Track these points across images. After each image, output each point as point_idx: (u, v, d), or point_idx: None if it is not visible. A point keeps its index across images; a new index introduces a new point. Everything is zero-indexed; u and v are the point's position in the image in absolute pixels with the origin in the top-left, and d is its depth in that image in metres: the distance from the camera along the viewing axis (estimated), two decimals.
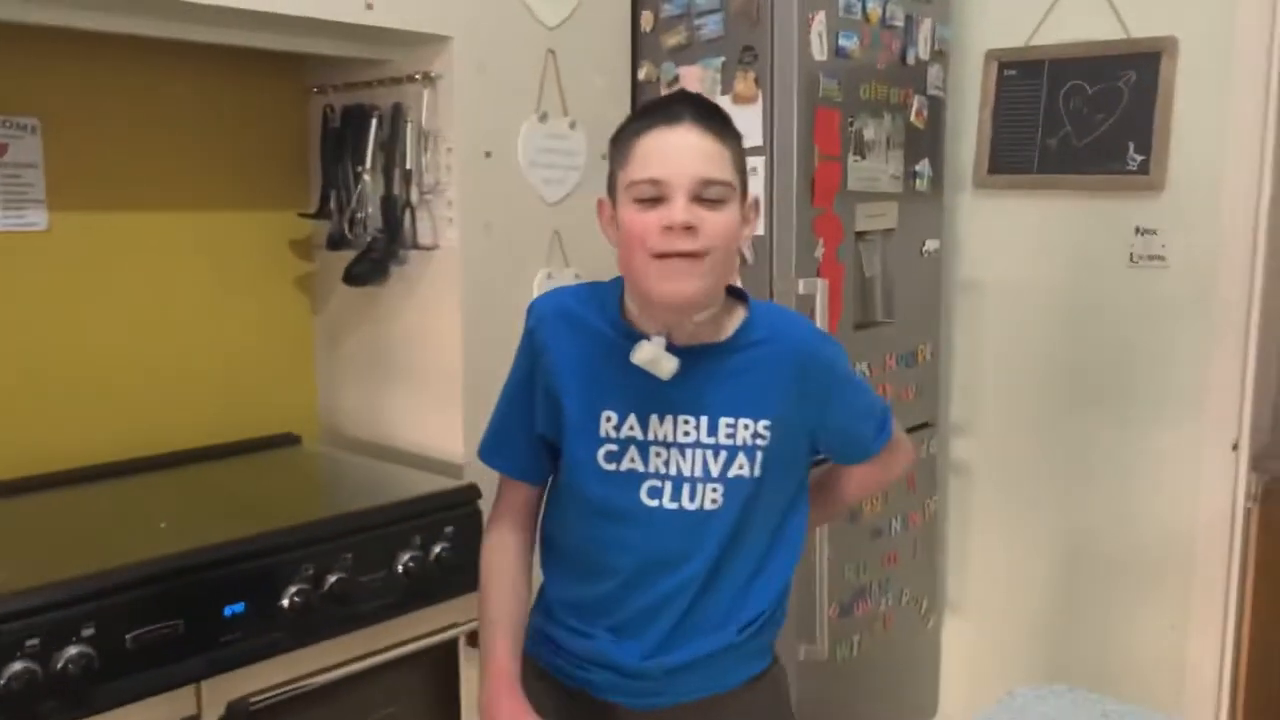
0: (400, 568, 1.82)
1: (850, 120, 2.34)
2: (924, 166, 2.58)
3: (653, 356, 1.26)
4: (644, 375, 1.28)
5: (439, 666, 1.90)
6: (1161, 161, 2.42)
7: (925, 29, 2.53)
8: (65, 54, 1.97)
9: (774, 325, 1.36)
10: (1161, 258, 2.44)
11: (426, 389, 2.17)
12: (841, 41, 2.29)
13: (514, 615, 1.39)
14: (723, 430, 1.30)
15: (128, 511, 1.89)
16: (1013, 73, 2.61)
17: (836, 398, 1.38)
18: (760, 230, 2.24)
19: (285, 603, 1.66)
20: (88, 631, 1.45)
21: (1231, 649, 2.46)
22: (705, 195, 1.21)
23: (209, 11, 1.74)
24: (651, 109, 1.29)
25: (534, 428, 1.38)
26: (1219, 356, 2.39)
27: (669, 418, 1.30)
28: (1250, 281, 2.35)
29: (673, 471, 1.31)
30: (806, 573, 2.28)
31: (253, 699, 1.62)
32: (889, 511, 2.57)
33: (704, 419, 1.30)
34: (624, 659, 1.35)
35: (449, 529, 1.89)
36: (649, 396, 1.30)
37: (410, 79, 2.08)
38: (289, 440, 2.33)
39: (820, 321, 2.20)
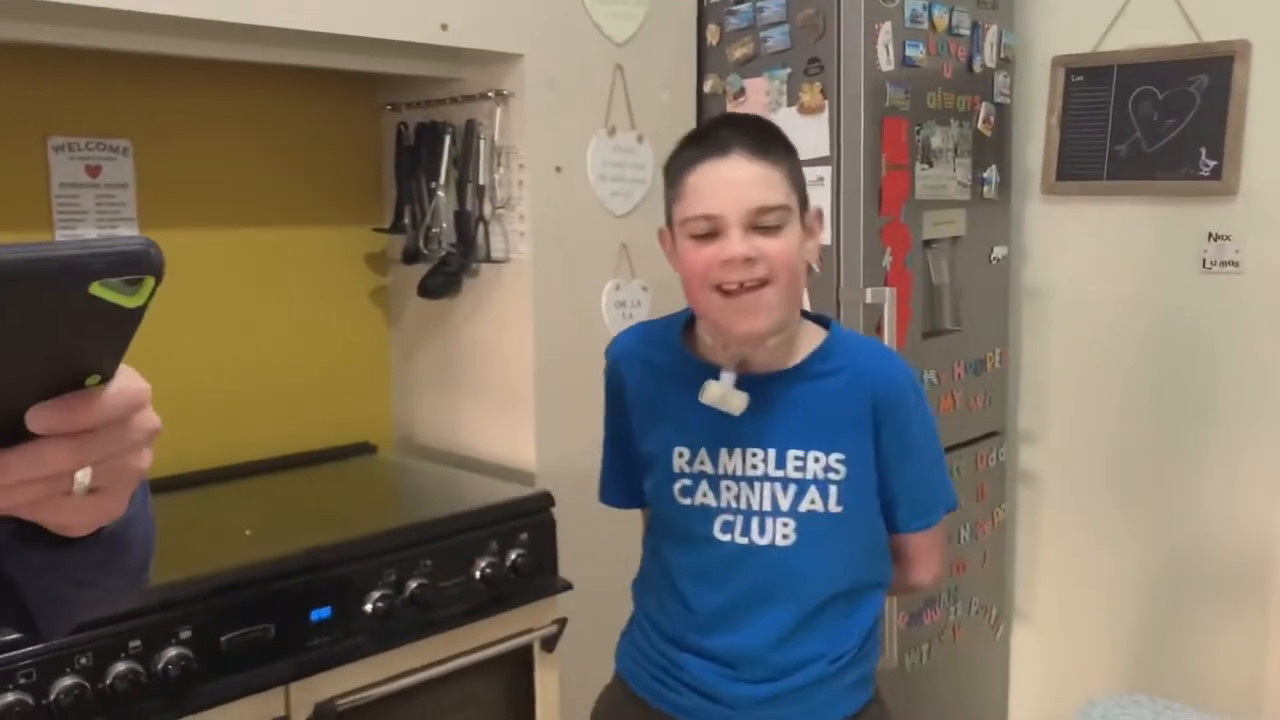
0: (478, 574, 1.86)
1: (917, 128, 2.34)
2: (991, 173, 2.57)
3: (721, 395, 1.27)
4: (712, 409, 1.28)
5: (515, 671, 1.94)
6: (1234, 166, 2.38)
7: (991, 36, 2.52)
8: (155, 78, 2.05)
9: (852, 353, 1.33)
10: (1235, 264, 2.41)
11: (498, 398, 2.22)
12: (908, 51, 2.29)
13: None
14: (791, 463, 1.29)
15: (215, 519, 1.95)
16: (1080, 79, 2.60)
17: (905, 439, 1.32)
18: (827, 240, 2.26)
19: (368, 608, 1.71)
20: (185, 634, 1.51)
21: None
22: (761, 223, 1.21)
23: (291, 35, 1.81)
24: (699, 138, 1.28)
25: (636, 460, 1.40)
26: None
27: (737, 451, 1.30)
28: None
29: (743, 505, 1.30)
30: None
31: (339, 701, 1.67)
32: (958, 520, 2.56)
33: (772, 451, 1.29)
34: (718, 687, 1.34)
35: (524, 536, 1.93)
36: (718, 430, 1.30)
37: (483, 96, 2.13)
38: (365, 449, 2.39)
39: (888, 330, 2.21)
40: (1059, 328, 2.71)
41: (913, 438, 1.34)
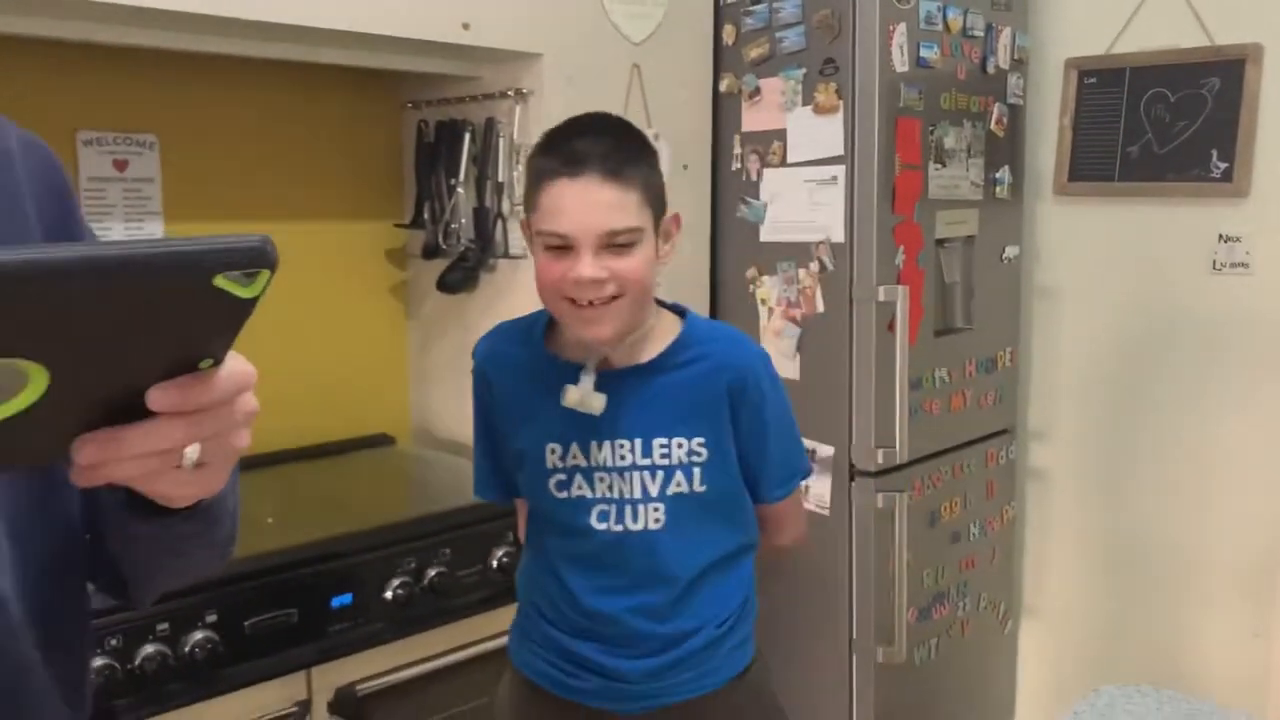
0: (495, 563, 1.90)
1: (931, 129, 2.37)
2: (1004, 174, 2.60)
3: (579, 399, 1.33)
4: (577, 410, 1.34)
5: None
6: (1246, 168, 2.40)
7: (1005, 38, 2.54)
8: (181, 74, 2.08)
9: (707, 342, 1.40)
10: (1245, 265, 2.43)
11: None
12: (922, 52, 2.32)
13: None
14: (657, 451, 1.36)
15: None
16: (1093, 80, 2.62)
17: (761, 421, 1.40)
18: (840, 237, 2.29)
19: (388, 595, 1.75)
20: (211, 618, 1.55)
21: None
22: (613, 244, 1.26)
23: (314, 33, 1.84)
24: (556, 147, 1.30)
25: (506, 453, 1.46)
26: None
27: (606, 443, 1.36)
28: None
29: (616, 494, 1.37)
30: (885, 577, 2.32)
31: (359, 685, 1.71)
32: (968, 517, 2.58)
33: (638, 441, 1.36)
34: (613, 665, 1.40)
35: None
36: (586, 425, 1.36)
37: (502, 94, 2.17)
38: (384, 441, 2.43)
39: (900, 328, 2.24)
40: (1069, 327, 2.73)
41: (768, 418, 1.42)
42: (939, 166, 2.40)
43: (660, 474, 1.36)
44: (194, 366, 0.56)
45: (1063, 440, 2.77)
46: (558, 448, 1.38)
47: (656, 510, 1.36)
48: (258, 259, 0.52)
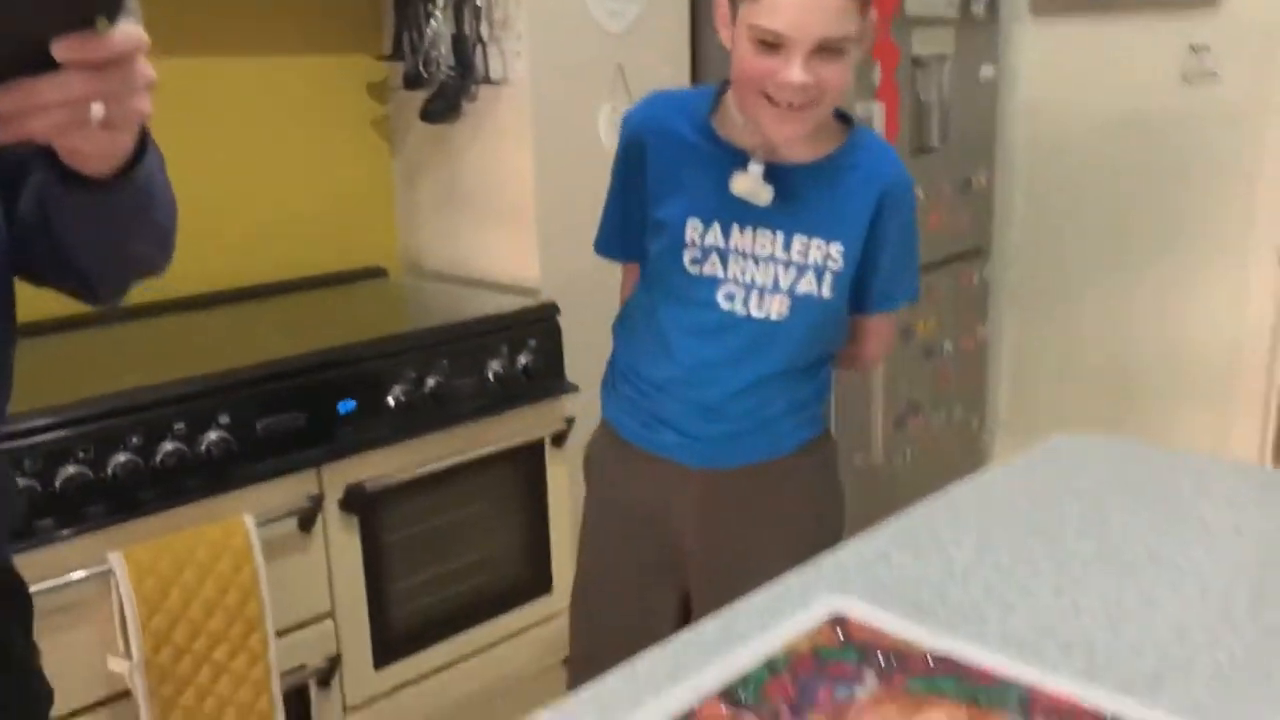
0: (490, 375, 1.99)
1: None
2: None
3: (750, 187, 1.34)
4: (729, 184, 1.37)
5: (528, 464, 2.09)
6: None
7: None
8: None
9: (868, 153, 1.41)
10: (1215, 74, 2.47)
11: (501, 219, 2.31)
12: None
13: None
14: (796, 247, 1.39)
15: (242, 329, 2.07)
16: None
17: (894, 237, 1.42)
18: None
19: (391, 401, 1.84)
20: (224, 419, 1.64)
21: (1271, 457, 2.57)
22: (825, 48, 1.23)
23: None
24: None
25: (636, 221, 1.49)
26: (1270, 166, 2.43)
27: (749, 229, 1.39)
28: None
29: (748, 280, 1.40)
30: (863, 387, 2.43)
31: (367, 483, 1.82)
32: (941, 334, 2.68)
33: (780, 234, 1.38)
34: (693, 427, 1.49)
35: (532, 341, 2.05)
36: (734, 209, 1.38)
37: None
38: (376, 273, 2.49)
39: None
40: (1045, 146, 2.78)
41: (900, 236, 1.45)
42: None
43: (794, 270, 1.39)
44: (92, 27, 0.65)
45: (1037, 258, 2.85)
46: (700, 225, 1.40)
47: (782, 304, 1.41)
48: None
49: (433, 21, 2.27)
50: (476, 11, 2.22)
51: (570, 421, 2.11)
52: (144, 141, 0.80)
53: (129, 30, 0.68)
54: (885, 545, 1.13)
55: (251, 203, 2.30)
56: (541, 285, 2.23)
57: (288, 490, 1.73)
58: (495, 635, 2.09)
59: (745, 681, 0.86)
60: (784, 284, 1.40)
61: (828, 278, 1.39)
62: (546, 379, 2.08)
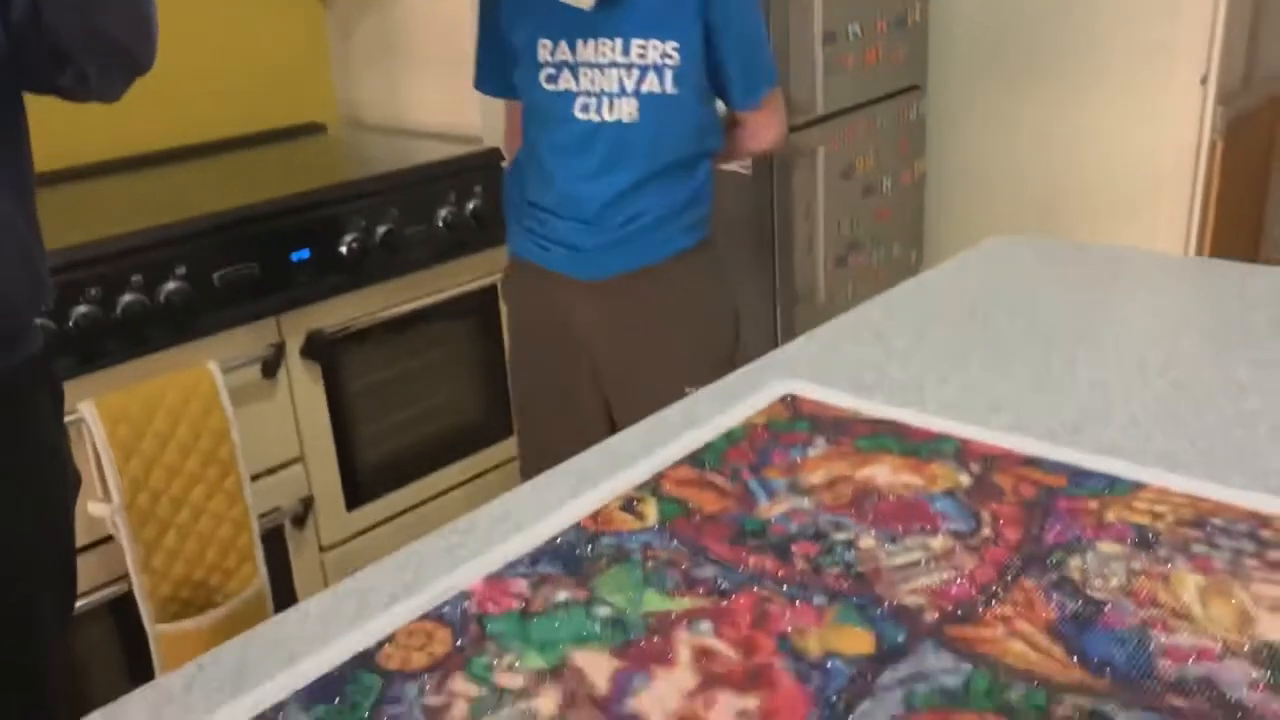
0: (440, 222, 2.01)
1: None
2: None
3: None
4: (569, 5, 1.49)
5: (481, 311, 2.13)
6: None
7: None
8: None
9: None
10: None
11: (439, 68, 2.29)
12: None
13: None
14: (634, 50, 1.52)
15: (187, 186, 2.06)
16: None
17: (732, 25, 1.55)
18: None
19: (343, 249, 1.87)
20: (181, 270, 1.66)
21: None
22: None
23: None
24: None
25: (505, 51, 1.62)
26: None
27: (591, 41, 1.53)
28: None
29: (596, 88, 1.54)
30: (807, 227, 2.49)
31: (327, 330, 1.85)
32: (879, 170, 2.74)
33: (619, 40, 1.52)
34: (577, 239, 1.63)
35: (478, 188, 2.07)
36: (576, 24, 1.52)
37: None
38: (315, 129, 2.47)
39: None
40: None
41: (734, 22, 1.57)
42: None
43: (636, 71, 1.53)
44: None
45: (970, 91, 2.90)
46: (548, 43, 1.54)
47: (630, 105, 1.54)
48: None
49: None
50: None
51: None
52: None
53: None
54: (830, 337, 1.21)
55: (184, 63, 2.25)
56: (483, 133, 2.24)
57: (249, 338, 1.77)
58: (461, 476, 2.17)
59: (707, 449, 0.94)
60: (629, 86, 1.53)
61: (668, 74, 1.53)
62: (495, 225, 2.10)
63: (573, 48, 1.54)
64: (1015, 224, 2.91)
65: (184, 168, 2.17)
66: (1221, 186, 2.63)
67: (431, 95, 2.34)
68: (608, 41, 1.52)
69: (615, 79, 1.53)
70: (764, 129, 1.71)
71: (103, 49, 0.99)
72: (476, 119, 2.24)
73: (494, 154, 2.13)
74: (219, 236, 1.72)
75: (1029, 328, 1.18)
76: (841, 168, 2.60)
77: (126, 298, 1.60)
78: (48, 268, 1.08)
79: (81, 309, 1.56)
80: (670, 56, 1.52)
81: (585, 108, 1.56)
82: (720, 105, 1.69)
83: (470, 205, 2.06)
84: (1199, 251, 2.67)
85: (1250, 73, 2.81)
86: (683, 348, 1.68)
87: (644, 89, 1.53)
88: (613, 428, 1.76)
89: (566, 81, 1.55)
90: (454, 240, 2.04)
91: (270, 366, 1.79)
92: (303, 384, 1.86)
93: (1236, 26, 2.60)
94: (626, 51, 1.52)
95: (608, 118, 1.55)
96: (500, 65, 1.66)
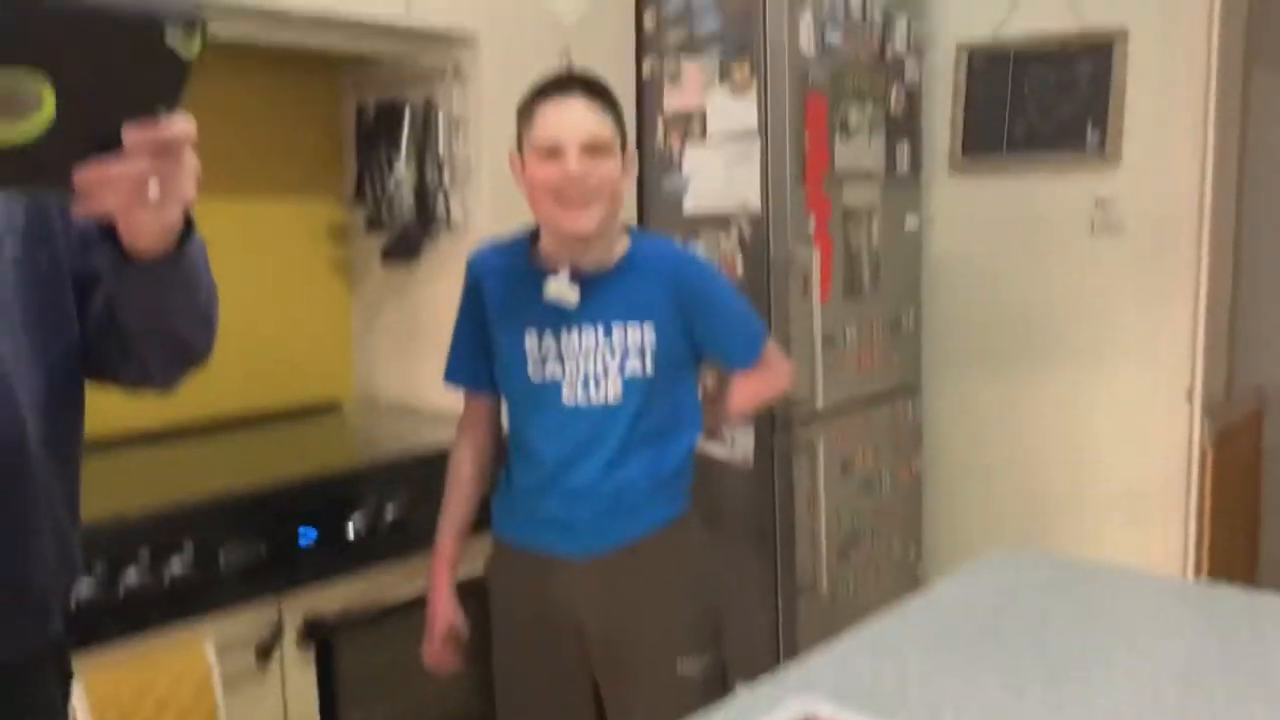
0: None
1: (836, 107, 2.58)
2: (903, 149, 2.83)
3: (558, 290, 1.60)
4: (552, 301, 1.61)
5: (485, 598, 2.11)
6: (1117, 140, 2.67)
7: (901, 24, 2.78)
8: None
9: (651, 248, 1.69)
10: (1120, 226, 2.70)
11: None
12: (827, 37, 2.53)
13: (462, 513, 1.75)
14: (616, 335, 1.62)
15: (202, 461, 2.09)
16: (982, 63, 2.87)
17: (706, 304, 1.67)
18: (757, 207, 2.48)
19: (351, 531, 1.87)
20: (188, 547, 1.66)
21: (1192, 572, 2.69)
22: (595, 146, 1.54)
23: (260, 15, 1.96)
24: (547, 84, 1.61)
25: (480, 349, 1.71)
26: (1173, 309, 2.64)
27: (576, 329, 1.62)
28: (1199, 238, 2.61)
29: (582, 374, 1.62)
30: (808, 520, 2.51)
31: (327, 615, 1.83)
32: (878, 466, 2.80)
33: (600, 326, 1.62)
34: (567, 516, 1.65)
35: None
36: (560, 315, 1.62)
37: (441, 74, 2.31)
38: (330, 407, 2.54)
39: (814, 289, 2.44)
40: (965, 290, 2.97)
41: (708, 298, 1.68)
42: (845, 142, 2.61)
43: (619, 355, 1.61)
44: (154, 115, 0.78)
45: (962, 396, 3.01)
46: (535, 337, 1.63)
47: (615, 386, 1.62)
48: (192, 12, 0.76)
49: (396, 168, 2.40)
50: (438, 162, 2.35)
51: None
52: (190, 225, 0.92)
53: (182, 120, 0.81)
54: (845, 654, 1.20)
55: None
56: None
57: (248, 619, 1.74)
58: None
59: None
60: (613, 368, 1.62)
61: (648, 356, 1.62)
62: None
63: (558, 338, 1.63)
64: (1011, 524, 2.94)
65: (198, 444, 2.21)
66: (1214, 498, 2.68)
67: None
68: (590, 328, 1.62)
69: (600, 363, 1.62)
70: (775, 377, 1.80)
71: (168, 345, 1.05)
72: None
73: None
74: (228, 515, 1.73)
75: (1040, 650, 1.18)
76: (841, 462, 2.66)
77: (130, 576, 1.59)
78: (79, 548, 1.08)
79: (83, 588, 1.54)
80: (649, 338, 1.62)
81: (574, 394, 1.63)
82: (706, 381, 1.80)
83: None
84: (1197, 563, 2.68)
85: (1231, 383, 2.93)
86: (675, 618, 1.68)
87: (627, 372, 1.61)
88: (601, 715, 1.73)
89: (553, 371, 1.63)
90: None
91: (265, 650, 1.75)
92: (295, 672, 1.81)
93: (1217, 340, 2.74)
94: (609, 335, 1.61)
95: (594, 401, 1.62)
96: (475, 361, 1.74)
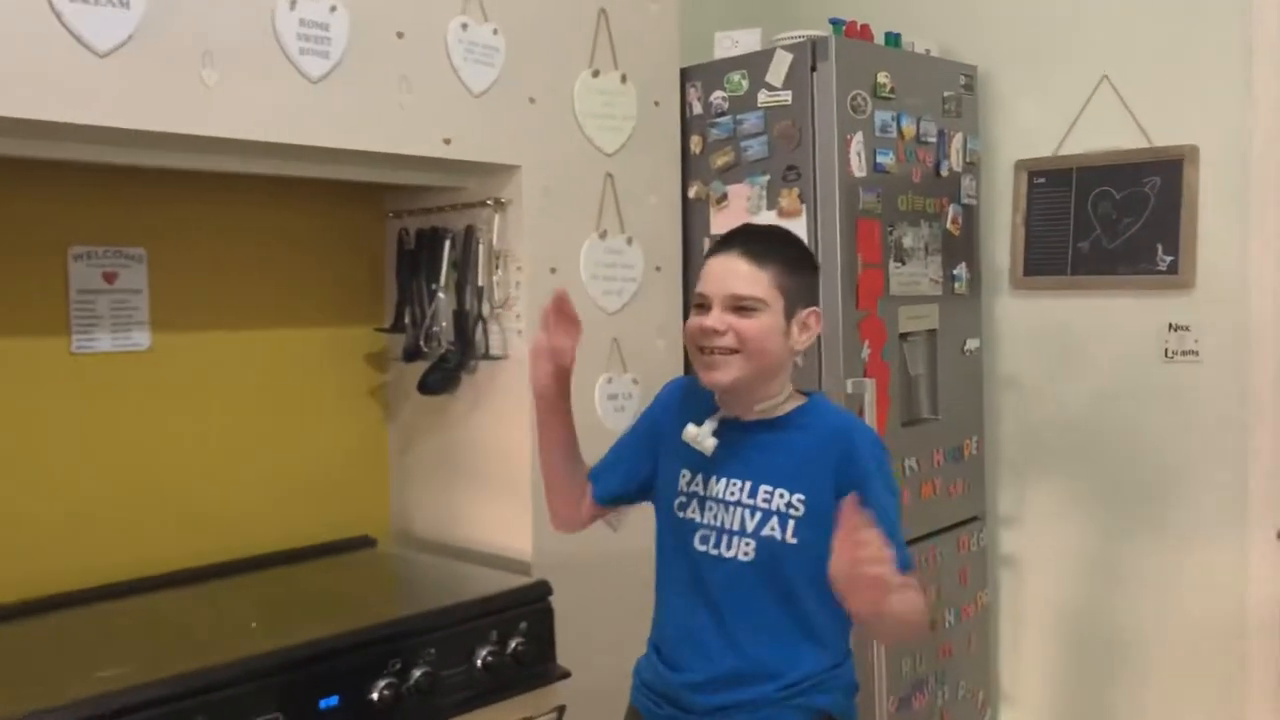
0: (479, 662, 1.91)
1: (890, 229, 2.48)
2: (961, 270, 2.71)
3: (695, 435, 1.59)
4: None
5: None
6: (1190, 261, 2.53)
7: (956, 143, 2.69)
8: (170, 190, 2.16)
9: (825, 416, 1.62)
10: (1195, 353, 2.54)
11: (496, 491, 2.29)
12: (878, 158, 2.45)
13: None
14: (761, 495, 1.56)
15: (222, 612, 2.00)
16: (1042, 181, 2.76)
17: (867, 497, 1.43)
18: None
19: (375, 696, 1.76)
20: None
21: None
22: (739, 305, 1.53)
23: (304, 151, 1.92)
24: (721, 239, 1.63)
25: (629, 468, 1.73)
26: (1257, 445, 2.46)
27: (723, 479, 1.60)
28: None
29: (718, 523, 1.58)
30: (865, 666, 2.35)
31: None
32: (943, 604, 2.63)
33: (748, 483, 1.57)
34: (678, 691, 1.58)
35: (523, 624, 1.99)
36: (713, 460, 1.60)
37: (481, 204, 2.26)
38: (366, 543, 2.45)
39: (869, 418, 2.31)
40: (1032, 416, 2.82)
41: (870, 496, 1.47)
42: (899, 265, 2.51)
43: (759, 514, 1.55)
44: None
45: (1031, 527, 2.84)
46: (688, 473, 1.64)
47: (748, 545, 1.55)
48: None
49: (436, 299, 2.34)
50: (478, 291, 2.29)
51: (561, 710, 2.02)
52: None
53: None
54: None
55: (241, 472, 2.29)
56: (533, 560, 2.19)
57: None
58: None
59: None
60: (749, 527, 1.56)
61: (790, 524, 1.53)
62: (538, 665, 2.00)
63: (705, 481, 1.61)
64: (1086, 667, 2.74)
65: (228, 585, 2.13)
66: None
67: (484, 516, 2.33)
68: (736, 482, 1.58)
69: (738, 517, 1.56)
70: (911, 608, 1.49)
71: None
72: (527, 544, 2.20)
73: (542, 587, 2.07)
74: (245, 686, 1.62)
75: None
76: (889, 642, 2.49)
77: None
78: None
79: None
80: (795, 507, 1.53)
81: (705, 539, 1.59)
82: None
83: (512, 644, 1.96)
84: None
85: None
86: None
87: (764, 532, 1.54)
88: None
89: (694, 511, 1.61)
90: (492, 684, 1.92)
91: None
92: None
93: None
94: (753, 494, 1.56)
95: (725, 554, 1.56)
96: (626, 476, 1.74)
